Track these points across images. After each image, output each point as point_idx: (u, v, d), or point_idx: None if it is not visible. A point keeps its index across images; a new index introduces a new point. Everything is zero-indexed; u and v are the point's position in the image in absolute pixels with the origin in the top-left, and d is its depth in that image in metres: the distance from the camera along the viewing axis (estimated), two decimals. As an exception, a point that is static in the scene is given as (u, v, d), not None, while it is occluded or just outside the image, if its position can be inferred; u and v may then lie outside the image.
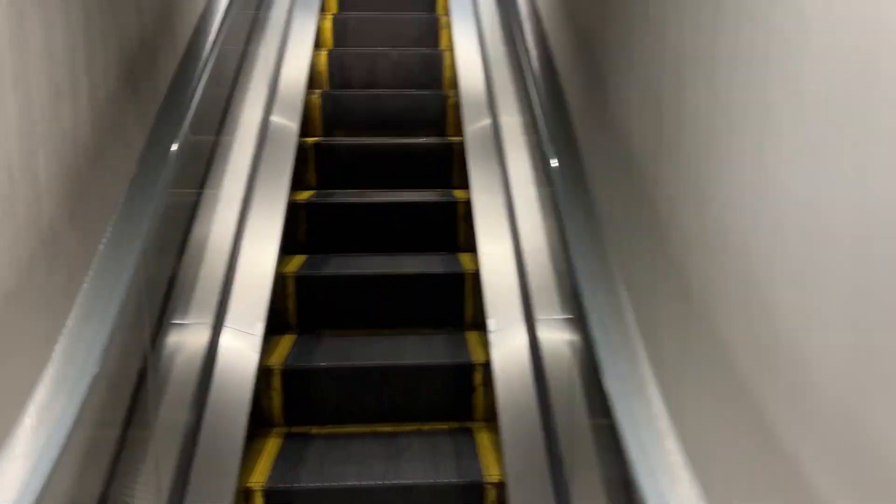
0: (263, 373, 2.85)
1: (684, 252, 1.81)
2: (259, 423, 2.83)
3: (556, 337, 2.66)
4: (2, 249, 1.74)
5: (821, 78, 1.26)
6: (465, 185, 3.74)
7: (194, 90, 2.59)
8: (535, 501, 2.40)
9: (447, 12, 4.89)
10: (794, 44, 1.34)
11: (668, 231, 1.91)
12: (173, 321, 2.57)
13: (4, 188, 1.75)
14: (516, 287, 3.07)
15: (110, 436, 2.19)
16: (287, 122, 3.93)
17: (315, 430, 2.88)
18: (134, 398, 2.26)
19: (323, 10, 4.99)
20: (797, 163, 1.33)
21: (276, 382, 2.88)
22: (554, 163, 2.39)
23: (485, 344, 2.97)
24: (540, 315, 2.82)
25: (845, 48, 1.21)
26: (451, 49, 4.62)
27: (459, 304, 3.29)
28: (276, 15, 4.44)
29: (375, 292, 3.32)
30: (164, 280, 2.59)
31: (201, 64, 2.73)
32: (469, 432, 2.86)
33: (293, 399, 2.90)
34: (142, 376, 2.24)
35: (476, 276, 3.22)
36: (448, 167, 3.97)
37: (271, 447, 2.74)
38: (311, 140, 4.00)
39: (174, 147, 2.32)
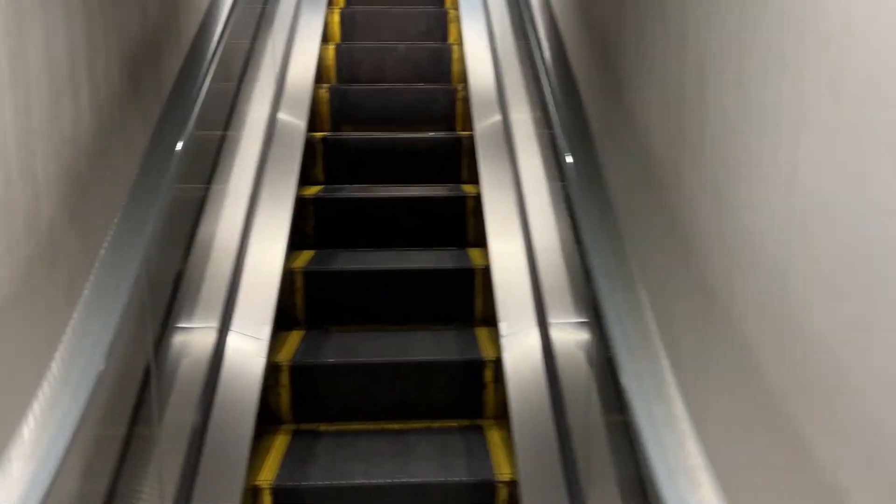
0: (271, 369, 2.82)
1: (706, 253, 1.77)
2: (267, 419, 2.80)
3: (570, 337, 2.62)
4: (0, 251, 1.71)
5: (863, 77, 1.22)
6: (473, 179, 3.70)
7: (199, 88, 2.55)
8: (549, 500, 2.37)
9: (456, 6, 4.87)
10: (836, 42, 1.29)
11: (689, 230, 1.87)
12: (179, 322, 2.54)
13: (1, 189, 1.71)
14: (528, 286, 3.03)
15: (116, 434, 2.16)
16: (295, 118, 3.90)
17: (323, 427, 2.85)
18: (139, 397, 2.23)
19: (330, 4, 4.96)
20: (836, 166, 1.28)
21: (285, 379, 2.85)
22: (569, 159, 2.35)
23: (495, 340, 2.93)
24: (553, 316, 2.78)
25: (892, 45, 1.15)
26: (459, 43, 4.59)
27: (469, 300, 3.26)
28: (284, 9, 4.41)
29: (384, 288, 3.29)
30: (170, 279, 2.55)
31: (206, 60, 2.68)
32: (479, 430, 2.82)
33: (301, 396, 2.87)
34: (147, 375, 2.21)
35: (486, 272, 3.19)
36: (457, 162, 3.94)
37: (279, 444, 2.71)
38: (318, 135, 3.97)
39: (178, 146, 2.27)
